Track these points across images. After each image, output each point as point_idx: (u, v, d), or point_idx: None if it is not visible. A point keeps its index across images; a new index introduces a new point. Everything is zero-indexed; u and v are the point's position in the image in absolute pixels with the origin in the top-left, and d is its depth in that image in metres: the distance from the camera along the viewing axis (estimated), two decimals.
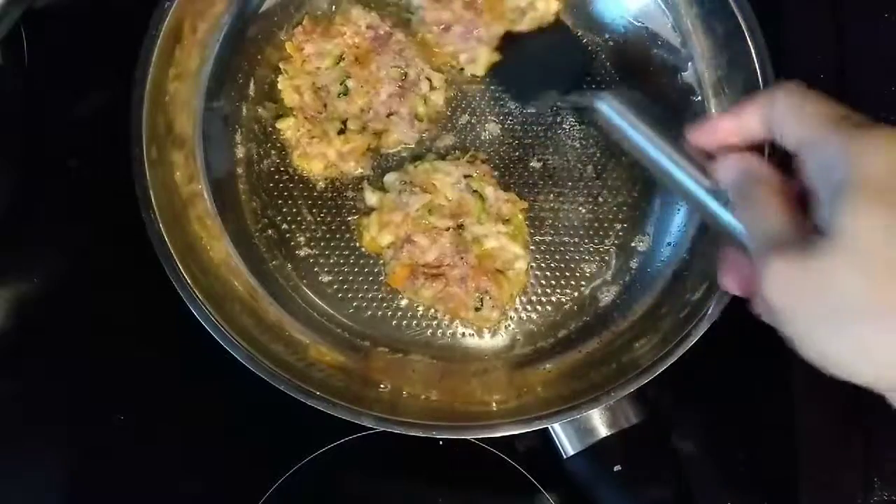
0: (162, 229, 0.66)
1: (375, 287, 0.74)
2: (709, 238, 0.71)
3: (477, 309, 0.72)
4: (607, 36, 0.79)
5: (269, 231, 0.75)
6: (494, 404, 0.68)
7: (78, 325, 0.74)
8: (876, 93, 0.79)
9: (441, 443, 0.72)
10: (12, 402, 0.73)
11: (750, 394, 0.74)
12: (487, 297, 0.71)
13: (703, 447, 0.74)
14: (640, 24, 0.77)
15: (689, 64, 0.75)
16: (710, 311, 0.64)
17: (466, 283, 0.71)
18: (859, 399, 0.73)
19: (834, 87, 0.80)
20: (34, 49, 0.78)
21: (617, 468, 0.67)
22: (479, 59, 0.76)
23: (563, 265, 0.75)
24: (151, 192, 0.67)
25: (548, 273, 0.75)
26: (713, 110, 0.74)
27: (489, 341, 0.74)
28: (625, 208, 0.76)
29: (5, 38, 0.73)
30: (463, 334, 0.74)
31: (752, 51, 0.69)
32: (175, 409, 0.74)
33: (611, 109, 0.61)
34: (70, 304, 0.75)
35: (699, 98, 0.75)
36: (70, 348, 0.74)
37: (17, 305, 0.76)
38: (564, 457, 0.68)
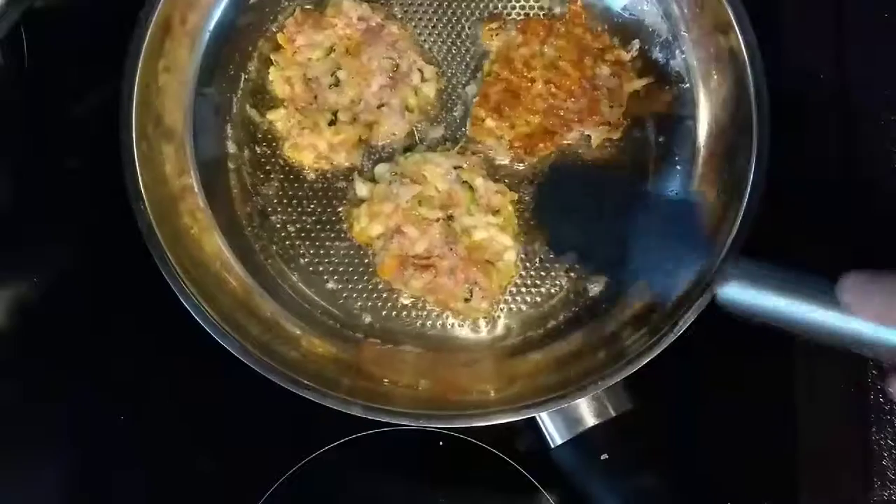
0: (152, 219, 0.66)
1: (366, 278, 0.74)
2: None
3: (466, 300, 0.71)
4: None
5: (260, 223, 0.75)
6: (483, 394, 0.68)
7: (78, 325, 0.75)
8: (876, 93, 0.79)
9: (441, 443, 0.72)
10: (12, 402, 0.73)
11: (750, 394, 0.74)
12: (477, 288, 0.71)
13: (702, 446, 0.74)
14: (629, 14, 0.78)
15: (678, 52, 0.76)
16: (697, 302, 0.64)
17: (456, 274, 0.71)
18: (859, 400, 0.73)
19: (834, 88, 0.80)
20: (34, 49, 0.78)
21: (604, 457, 0.67)
22: None
23: (552, 256, 0.75)
24: (141, 183, 0.67)
25: (537, 264, 0.75)
26: (699, 89, 0.75)
27: (479, 332, 0.74)
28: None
29: (5, 38, 0.73)
30: (453, 325, 0.74)
31: (740, 36, 0.69)
32: (175, 409, 0.74)
33: (742, 291, 0.54)
34: (70, 304, 0.75)
35: (688, 85, 0.76)
36: (70, 348, 0.74)
37: (17, 305, 0.76)
38: (552, 447, 0.69)
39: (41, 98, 0.78)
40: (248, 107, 0.77)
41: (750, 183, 0.67)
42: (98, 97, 0.78)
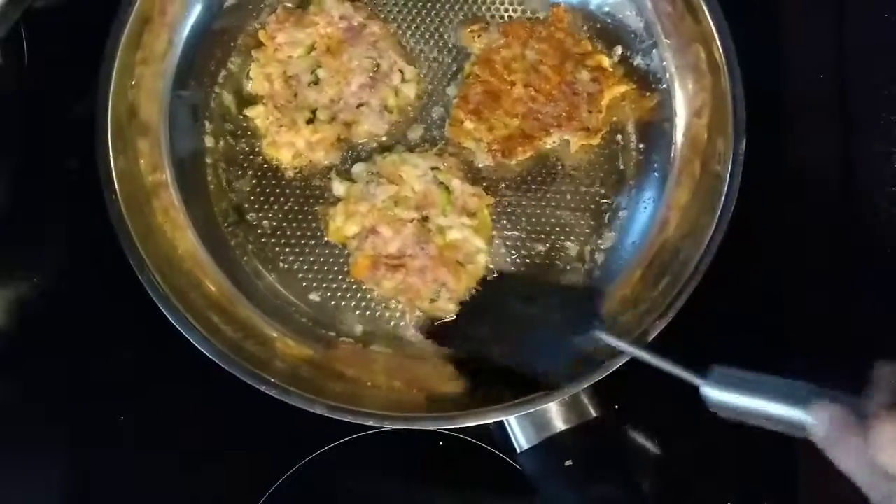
0: (123, 210, 0.66)
1: (340, 277, 0.74)
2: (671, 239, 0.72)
3: (433, 300, 0.71)
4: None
5: (236, 220, 0.75)
6: (452, 396, 0.68)
7: (78, 325, 0.75)
8: (876, 93, 0.79)
9: (441, 443, 0.72)
10: (12, 402, 0.74)
11: None
12: (444, 290, 0.71)
13: (704, 446, 0.74)
14: (611, 20, 0.78)
15: (659, 59, 0.76)
16: (668, 310, 0.64)
17: (425, 273, 0.70)
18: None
19: (834, 87, 0.80)
20: (34, 49, 0.78)
21: (568, 463, 0.67)
22: None
23: (528, 261, 0.74)
24: (114, 175, 0.67)
25: (512, 268, 0.74)
26: (678, 95, 0.75)
27: None
28: (592, 206, 0.76)
29: (5, 38, 0.73)
30: None
31: (720, 46, 0.69)
32: (175, 410, 0.74)
33: (721, 394, 0.54)
34: (70, 304, 0.75)
35: (664, 85, 0.76)
36: (70, 348, 0.74)
37: (17, 305, 0.76)
38: (518, 451, 0.69)
39: (41, 98, 0.78)
40: (226, 102, 0.77)
41: (724, 191, 0.67)
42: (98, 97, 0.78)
